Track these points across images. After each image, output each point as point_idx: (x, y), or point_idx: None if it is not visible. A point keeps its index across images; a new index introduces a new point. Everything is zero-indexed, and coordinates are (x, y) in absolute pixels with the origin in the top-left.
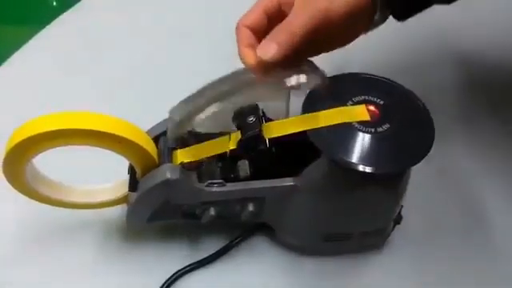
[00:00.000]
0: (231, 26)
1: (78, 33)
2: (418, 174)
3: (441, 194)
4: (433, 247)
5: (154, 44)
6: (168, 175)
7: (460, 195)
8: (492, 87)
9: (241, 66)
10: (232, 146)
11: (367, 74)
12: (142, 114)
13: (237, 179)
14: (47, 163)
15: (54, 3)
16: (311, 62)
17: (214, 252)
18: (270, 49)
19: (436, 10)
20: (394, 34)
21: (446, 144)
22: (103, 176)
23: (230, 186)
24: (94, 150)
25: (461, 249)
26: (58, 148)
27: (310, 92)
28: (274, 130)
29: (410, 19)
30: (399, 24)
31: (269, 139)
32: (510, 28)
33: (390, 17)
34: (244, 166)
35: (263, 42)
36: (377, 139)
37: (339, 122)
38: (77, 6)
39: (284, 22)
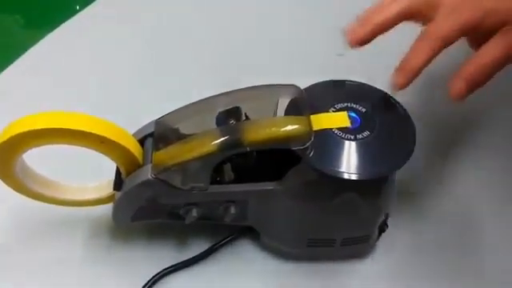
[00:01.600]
0: (222, 37)
1: (80, 38)
2: (407, 183)
3: (429, 204)
4: (419, 257)
5: (149, 49)
6: (149, 176)
7: (449, 205)
8: (486, 92)
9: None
10: (211, 148)
11: (350, 81)
12: (136, 116)
13: (221, 182)
14: (39, 159)
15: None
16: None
17: (198, 253)
18: (459, 89)
19: None
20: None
21: (434, 153)
22: (95, 174)
23: (212, 189)
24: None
25: (447, 259)
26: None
27: (292, 99)
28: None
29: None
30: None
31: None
32: None
33: None
34: (228, 170)
35: (452, 81)
36: (357, 146)
37: (319, 127)
38: (80, 13)
39: (475, 57)
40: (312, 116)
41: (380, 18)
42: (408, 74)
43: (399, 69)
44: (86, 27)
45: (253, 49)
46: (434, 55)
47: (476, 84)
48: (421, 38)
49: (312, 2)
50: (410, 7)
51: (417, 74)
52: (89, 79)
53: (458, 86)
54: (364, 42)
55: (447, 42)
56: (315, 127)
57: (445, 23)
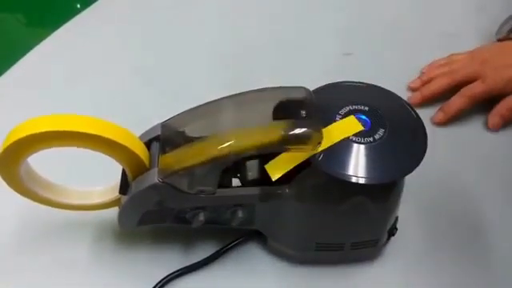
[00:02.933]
0: (229, 38)
1: (83, 39)
2: (416, 186)
3: (438, 207)
4: (427, 260)
5: (153, 50)
6: (156, 180)
7: (458, 208)
8: None
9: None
10: (219, 152)
11: (360, 83)
12: (141, 118)
13: (229, 186)
14: (45, 164)
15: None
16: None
17: (204, 257)
18: (496, 123)
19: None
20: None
21: (443, 155)
22: (101, 178)
23: (220, 193)
24: (91, 151)
25: (456, 262)
26: (56, 149)
27: (301, 101)
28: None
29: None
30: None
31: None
32: None
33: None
34: (227, 175)
35: (491, 115)
36: (367, 149)
37: (337, 139)
38: (81, 14)
39: (508, 99)
40: (324, 130)
41: (430, 89)
42: (447, 116)
43: (441, 110)
44: (88, 28)
45: (259, 50)
46: (466, 107)
47: (508, 120)
48: (458, 95)
49: (318, 2)
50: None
51: (454, 115)
52: (93, 81)
53: (496, 121)
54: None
55: (477, 100)
56: (334, 140)
57: (476, 89)
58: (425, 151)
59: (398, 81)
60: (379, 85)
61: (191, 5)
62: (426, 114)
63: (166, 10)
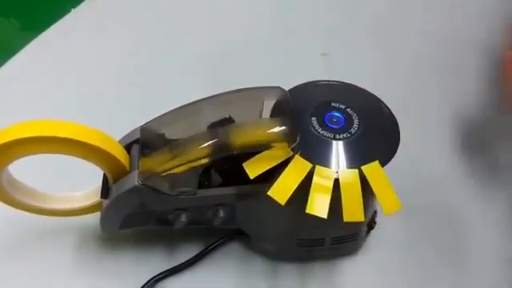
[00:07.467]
0: (206, 40)
1: (62, 44)
2: (395, 180)
3: (418, 200)
4: (409, 253)
5: (132, 56)
6: (136, 182)
7: (437, 201)
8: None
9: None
10: (198, 153)
11: (334, 81)
12: (121, 123)
13: (209, 186)
14: (25, 170)
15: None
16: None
17: (188, 258)
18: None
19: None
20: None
21: (424, 148)
22: (82, 183)
23: (200, 193)
24: (71, 157)
25: (436, 255)
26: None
27: (277, 101)
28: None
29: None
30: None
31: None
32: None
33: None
34: (215, 173)
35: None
36: (342, 145)
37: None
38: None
39: None
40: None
41: None
42: None
43: None
44: (68, 32)
45: (237, 51)
46: None
47: None
48: None
49: (296, 2)
50: None
51: None
52: (72, 86)
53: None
54: None
55: None
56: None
57: None
58: (398, 144)
59: (375, 80)
60: (357, 85)
61: (172, 9)
62: (400, 109)
63: (149, 13)
